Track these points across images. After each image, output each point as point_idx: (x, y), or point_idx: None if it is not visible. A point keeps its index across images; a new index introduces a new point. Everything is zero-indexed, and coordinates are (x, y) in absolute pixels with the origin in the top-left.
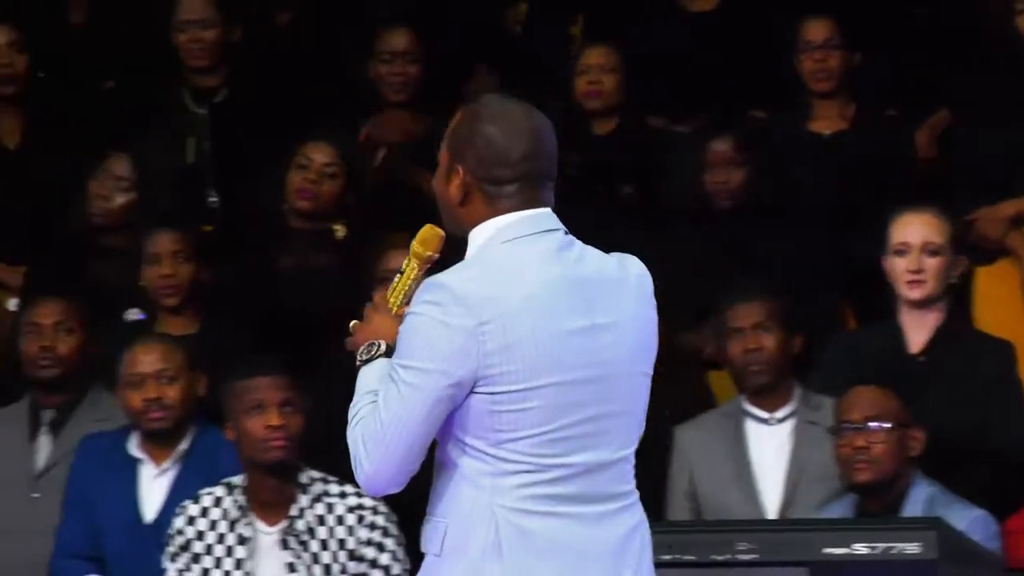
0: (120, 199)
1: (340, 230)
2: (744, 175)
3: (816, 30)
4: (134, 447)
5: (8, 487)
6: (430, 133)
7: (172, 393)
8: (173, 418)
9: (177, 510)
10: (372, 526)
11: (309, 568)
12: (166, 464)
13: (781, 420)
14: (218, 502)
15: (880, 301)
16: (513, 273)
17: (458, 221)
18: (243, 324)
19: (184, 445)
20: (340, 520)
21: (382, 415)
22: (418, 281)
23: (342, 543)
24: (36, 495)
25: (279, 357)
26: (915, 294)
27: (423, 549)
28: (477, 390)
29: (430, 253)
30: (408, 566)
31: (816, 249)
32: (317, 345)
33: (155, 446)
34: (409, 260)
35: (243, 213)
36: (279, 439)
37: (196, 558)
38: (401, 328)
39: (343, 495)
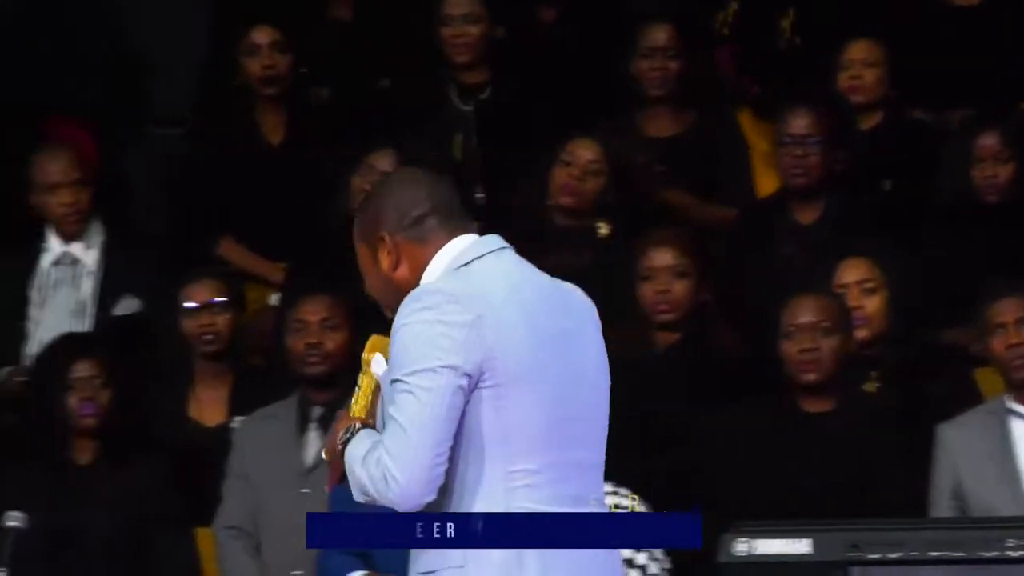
0: None
1: (604, 228)
2: (1013, 169)
3: None
4: None
5: (278, 483)
6: (693, 129)
7: None
8: None
9: None
10: None
11: None
12: None
13: None
14: None
15: None
16: (487, 278)
17: (402, 291)
18: None
19: None
20: None
21: (403, 424)
22: (377, 390)
23: None
24: (306, 490)
25: None
26: None
27: (431, 566)
28: (482, 385)
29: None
30: (668, 565)
31: None
32: None
33: None
34: (363, 370)
35: (508, 210)
36: None
37: None
38: (395, 345)
39: None
